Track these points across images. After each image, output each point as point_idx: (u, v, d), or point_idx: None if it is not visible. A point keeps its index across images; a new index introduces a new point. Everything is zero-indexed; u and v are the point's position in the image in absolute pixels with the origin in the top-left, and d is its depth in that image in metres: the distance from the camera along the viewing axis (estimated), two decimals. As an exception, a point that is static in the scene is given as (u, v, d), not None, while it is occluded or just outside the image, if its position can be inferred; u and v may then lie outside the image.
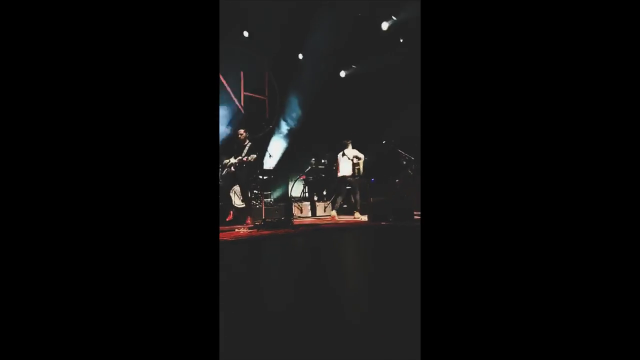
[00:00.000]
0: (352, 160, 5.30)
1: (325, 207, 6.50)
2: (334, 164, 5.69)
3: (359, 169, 5.33)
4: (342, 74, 8.47)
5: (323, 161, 7.00)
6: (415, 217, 4.36)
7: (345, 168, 5.37)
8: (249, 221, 4.46)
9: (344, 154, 5.41)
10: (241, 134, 4.61)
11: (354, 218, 5.19)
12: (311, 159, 6.96)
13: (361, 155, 5.38)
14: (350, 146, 5.43)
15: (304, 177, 6.87)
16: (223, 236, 3.02)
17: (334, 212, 5.31)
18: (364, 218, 4.88)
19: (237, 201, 4.95)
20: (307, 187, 6.91)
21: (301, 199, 6.66)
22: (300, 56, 7.81)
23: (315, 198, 6.71)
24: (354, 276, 1.49)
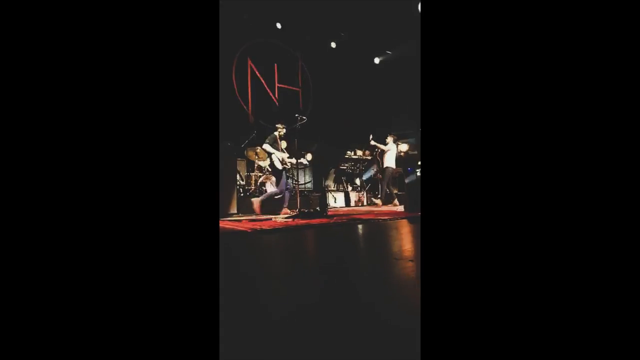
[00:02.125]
0: (398, 152, 5.36)
1: (359, 197, 6.47)
2: (377, 155, 5.72)
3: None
4: (376, 60, 8.24)
5: (359, 152, 6.95)
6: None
7: (390, 159, 5.42)
8: (285, 211, 4.58)
9: (387, 145, 5.44)
10: (279, 128, 4.72)
11: (394, 207, 5.18)
12: (346, 150, 6.93)
13: (405, 147, 5.40)
14: (394, 138, 5.48)
15: (338, 167, 6.88)
16: (260, 225, 3.14)
17: (379, 201, 5.36)
18: (401, 208, 4.79)
19: (272, 189, 5.10)
20: (341, 178, 6.92)
21: (336, 189, 6.69)
22: (333, 45, 7.72)
23: (350, 188, 6.71)
24: (369, 272, 1.48)
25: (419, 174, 4.13)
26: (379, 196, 5.65)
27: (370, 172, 6.99)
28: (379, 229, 2.89)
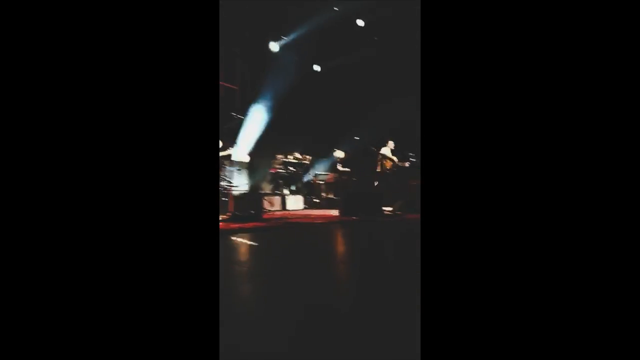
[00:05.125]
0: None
1: (296, 202, 6.45)
2: (377, 160, 5.66)
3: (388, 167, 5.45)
4: (317, 68, 8.39)
5: (298, 156, 6.94)
6: (385, 212, 4.45)
7: (384, 163, 5.48)
8: (216, 214, 4.30)
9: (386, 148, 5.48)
10: None
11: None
12: (285, 154, 6.87)
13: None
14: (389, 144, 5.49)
15: (274, 170, 6.76)
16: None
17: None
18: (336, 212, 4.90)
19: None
20: (278, 181, 6.81)
21: (272, 193, 6.55)
22: (274, 46, 7.64)
23: (287, 192, 6.64)
24: (345, 272, 1.47)
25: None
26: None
27: (309, 176, 7.04)
28: (314, 232, 2.89)
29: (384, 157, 5.38)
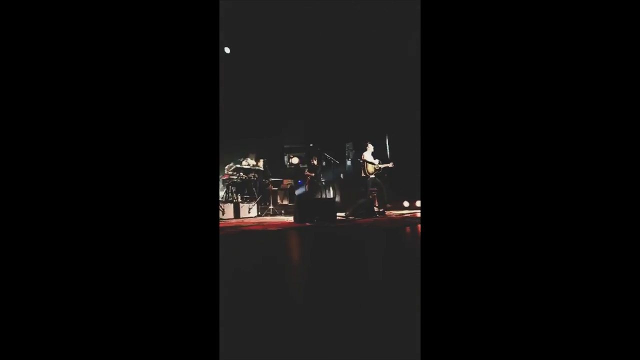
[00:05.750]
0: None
1: (249, 209, 6.28)
2: (361, 165, 5.55)
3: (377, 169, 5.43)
4: (227, 50, 8.17)
5: (251, 162, 6.77)
6: (338, 217, 4.54)
7: (367, 167, 5.40)
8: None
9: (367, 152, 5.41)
10: None
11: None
12: (239, 158, 6.66)
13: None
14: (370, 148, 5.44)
15: (226, 176, 6.52)
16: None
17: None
18: (291, 219, 4.87)
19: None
20: (230, 188, 6.58)
21: (224, 200, 6.31)
22: (227, 50, 7.44)
23: (239, 199, 6.44)
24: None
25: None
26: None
27: (264, 182, 6.91)
28: (268, 239, 2.85)
29: (366, 161, 5.44)
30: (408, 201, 5.91)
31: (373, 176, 5.38)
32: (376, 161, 5.49)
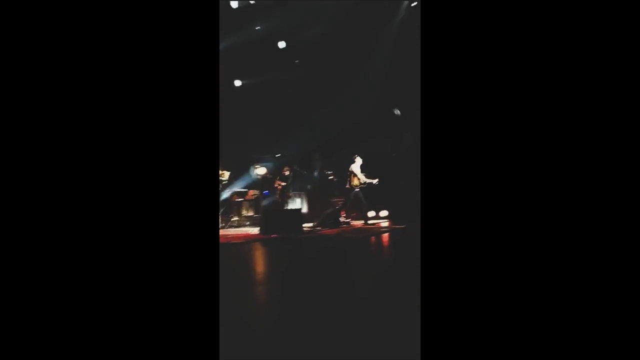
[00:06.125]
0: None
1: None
2: (348, 176, 5.39)
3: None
4: (238, 83, 8.26)
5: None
6: (304, 229, 4.53)
7: (352, 179, 5.28)
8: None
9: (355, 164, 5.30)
10: None
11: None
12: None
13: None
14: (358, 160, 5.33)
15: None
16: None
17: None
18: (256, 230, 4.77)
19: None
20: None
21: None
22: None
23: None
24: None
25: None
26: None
27: (226, 194, 6.71)
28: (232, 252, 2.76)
29: (353, 173, 5.37)
30: (374, 211, 6.05)
31: (358, 189, 5.33)
32: (362, 176, 5.37)
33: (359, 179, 5.37)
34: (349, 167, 5.48)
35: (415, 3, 6.29)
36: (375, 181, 5.45)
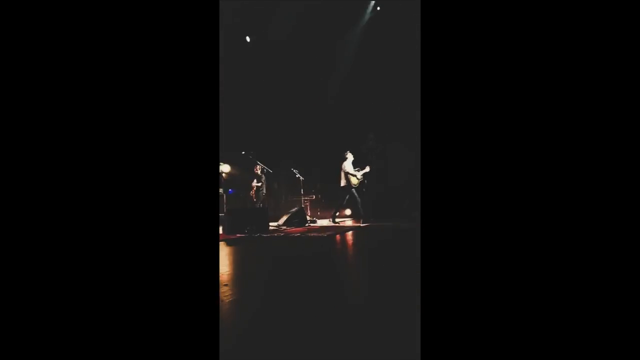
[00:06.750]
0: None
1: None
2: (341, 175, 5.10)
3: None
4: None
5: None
6: (271, 227, 4.49)
7: (350, 179, 4.98)
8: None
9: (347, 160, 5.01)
10: None
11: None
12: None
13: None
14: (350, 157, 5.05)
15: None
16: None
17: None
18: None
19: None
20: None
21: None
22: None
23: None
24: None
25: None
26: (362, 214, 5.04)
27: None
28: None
29: (348, 174, 5.09)
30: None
31: (353, 189, 5.12)
32: (358, 172, 5.13)
33: (357, 178, 5.16)
34: (341, 165, 5.23)
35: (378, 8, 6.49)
36: (367, 169, 5.28)
